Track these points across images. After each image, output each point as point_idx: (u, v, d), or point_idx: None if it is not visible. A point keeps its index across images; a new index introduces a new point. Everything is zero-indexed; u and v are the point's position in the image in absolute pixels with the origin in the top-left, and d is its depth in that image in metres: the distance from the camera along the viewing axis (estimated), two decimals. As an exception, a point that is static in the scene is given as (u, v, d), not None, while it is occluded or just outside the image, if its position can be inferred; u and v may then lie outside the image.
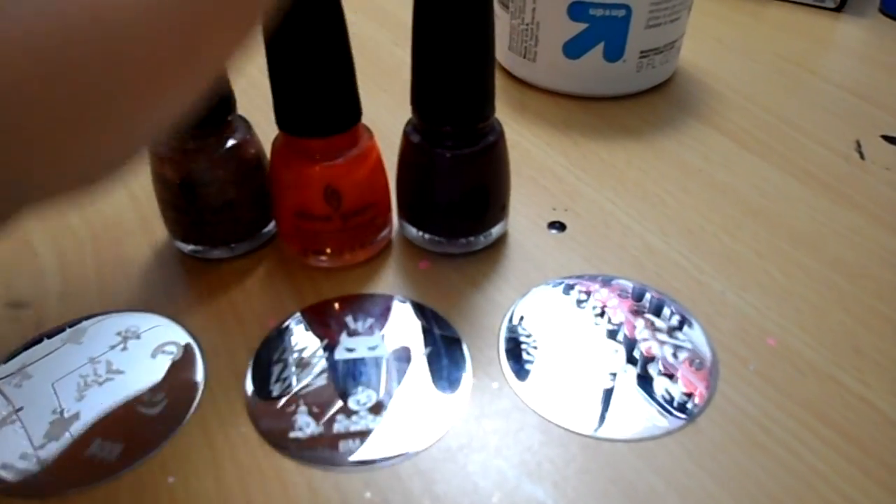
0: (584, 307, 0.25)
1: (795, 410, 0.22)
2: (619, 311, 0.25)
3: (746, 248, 0.28)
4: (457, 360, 0.23)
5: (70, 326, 0.25)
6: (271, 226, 0.28)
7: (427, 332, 0.24)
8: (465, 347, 0.24)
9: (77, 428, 0.21)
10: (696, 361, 0.23)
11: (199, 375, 0.23)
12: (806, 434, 0.22)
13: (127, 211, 0.30)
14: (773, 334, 0.25)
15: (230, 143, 0.25)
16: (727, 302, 0.26)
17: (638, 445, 0.21)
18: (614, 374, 0.23)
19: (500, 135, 0.26)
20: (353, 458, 0.21)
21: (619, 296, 0.26)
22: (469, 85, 0.23)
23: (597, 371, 0.23)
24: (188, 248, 0.27)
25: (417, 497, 0.20)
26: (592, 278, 0.26)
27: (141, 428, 0.21)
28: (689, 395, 0.22)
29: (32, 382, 0.23)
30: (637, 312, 0.25)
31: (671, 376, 0.23)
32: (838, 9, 0.48)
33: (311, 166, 0.24)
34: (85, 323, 0.25)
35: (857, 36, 0.45)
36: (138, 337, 0.24)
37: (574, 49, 0.35)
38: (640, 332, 0.24)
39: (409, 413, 0.22)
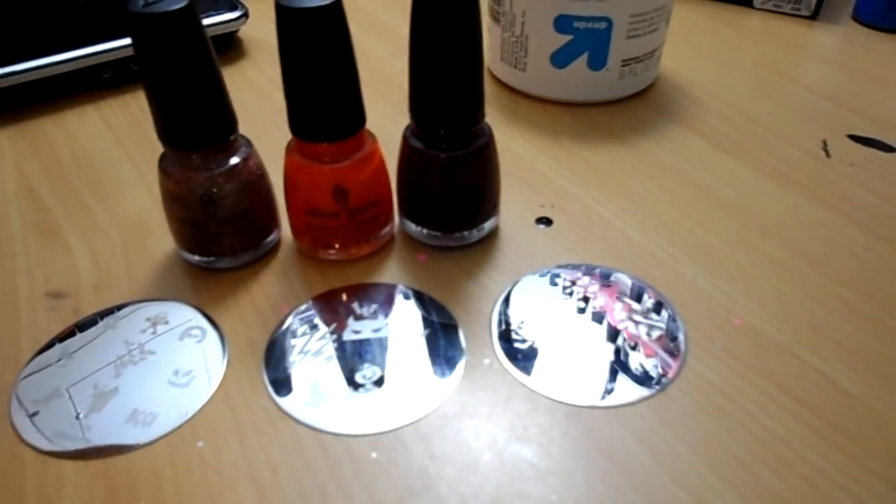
0: (568, 293, 0.28)
1: (757, 381, 0.25)
2: (599, 297, 0.28)
3: (718, 239, 0.31)
4: (452, 341, 0.26)
5: (106, 314, 0.27)
6: (273, 235, 0.30)
7: (426, 316, 0.27)
8: (460, 329, 0.27)
9: (116, 400, 0.24)
10: (668, 339, 0.26)
11: (222, 355, 0.26)
12: (766, 402, 0.24)
13: (150, 211, 0.33)
14: (739, 315, 0.27)
15: (234, 160, 0.27)
16: (699, 287, 0.28)
17: (616, 412, 0.24)
18: (594, 351, 0.25)
19: (490, 138, 0.28)
20: (360, 424, 0.23)
21: (601, 284, 0.28)
22: (459, 93, 0.26)
23: (578, 348, 0.26)
24: (195, 258, 0.29)
25: (418, 456, 0.22)
26: (576, 267, 0.29)
27: (172, 400, 0.24)
28: (662, 369, 0.25)
29: (75, 362, 0.25)
30: (616, 297, 0.28)
31: (646, 352, 0.25)
32: (813, 16, 0.50)
33: (322, 168, 0.27)
34: (118, 312, 0.27)
35: (829, 42, 0.48)
36: (166, 322, 0.27)
37: (560, 59, 0.38)
38: (618, 314, 0.27)
39: (409, 386, 0.24)
